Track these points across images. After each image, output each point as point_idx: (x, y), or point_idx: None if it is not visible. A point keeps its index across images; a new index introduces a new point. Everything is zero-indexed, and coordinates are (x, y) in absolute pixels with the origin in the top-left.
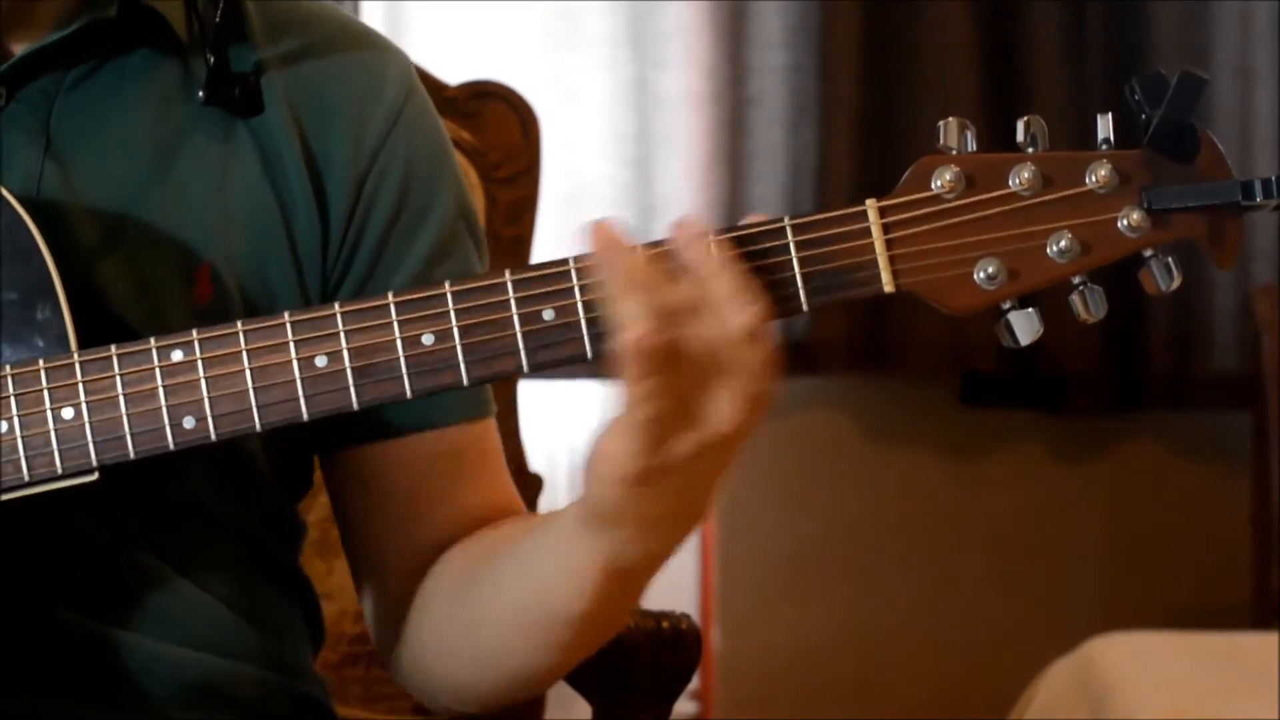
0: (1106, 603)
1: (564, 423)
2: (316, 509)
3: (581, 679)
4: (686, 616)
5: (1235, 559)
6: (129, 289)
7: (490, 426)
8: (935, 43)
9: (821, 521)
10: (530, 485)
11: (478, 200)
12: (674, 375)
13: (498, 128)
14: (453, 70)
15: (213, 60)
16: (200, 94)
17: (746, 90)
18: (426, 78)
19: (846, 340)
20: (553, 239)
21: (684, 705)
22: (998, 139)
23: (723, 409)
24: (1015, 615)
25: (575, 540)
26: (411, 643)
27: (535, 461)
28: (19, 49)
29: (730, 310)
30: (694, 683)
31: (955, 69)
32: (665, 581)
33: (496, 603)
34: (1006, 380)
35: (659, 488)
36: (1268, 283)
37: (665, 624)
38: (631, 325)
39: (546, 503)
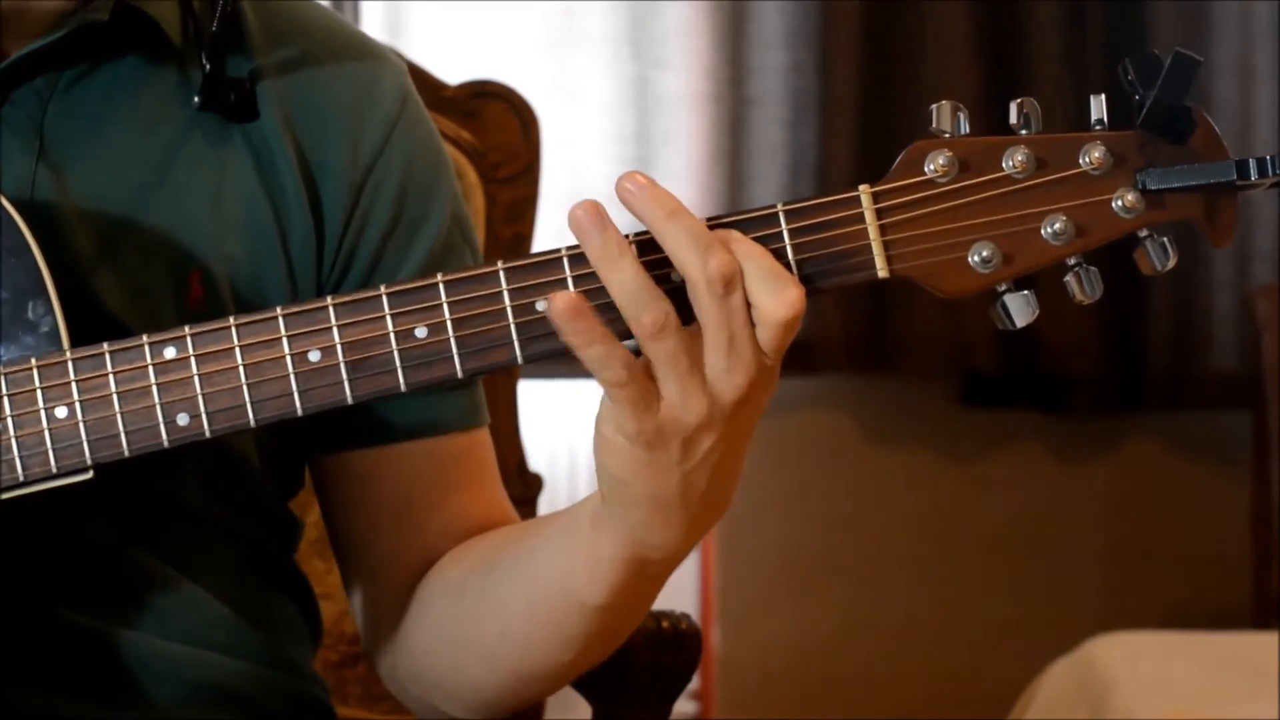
0: (1106, 603)
1: (564, 423)
2: (316, 509)
3: (581, 679)
4: (686, 616)
5: (1235, 559)
6: (123, 294)
7: (483, 437)
8: (935, 43)
9: (821, 521)
10: (530, 485)
11: (477, 200)
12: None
13: (497, 127)
14: (453, 70)
15: (209, 66)
16: (195, 99)
17: (746, 90)
18: (426, 77)
19: (845, 339)
20: (552, 239)
21: (684, 705)
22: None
23: (735, 379)
24: (1015, 615)
25: (594, 529)
26: (405, 647)
27: (535, 461)
28: (15, 51)
29: (770, 288)
30: (694, 683)
31: (955, 70)
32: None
33: (510, 594)
34: (1007, 380)
35: (664, 454)
36: (1268, 283)
37: (665, 624)
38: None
39: (546, 503)
